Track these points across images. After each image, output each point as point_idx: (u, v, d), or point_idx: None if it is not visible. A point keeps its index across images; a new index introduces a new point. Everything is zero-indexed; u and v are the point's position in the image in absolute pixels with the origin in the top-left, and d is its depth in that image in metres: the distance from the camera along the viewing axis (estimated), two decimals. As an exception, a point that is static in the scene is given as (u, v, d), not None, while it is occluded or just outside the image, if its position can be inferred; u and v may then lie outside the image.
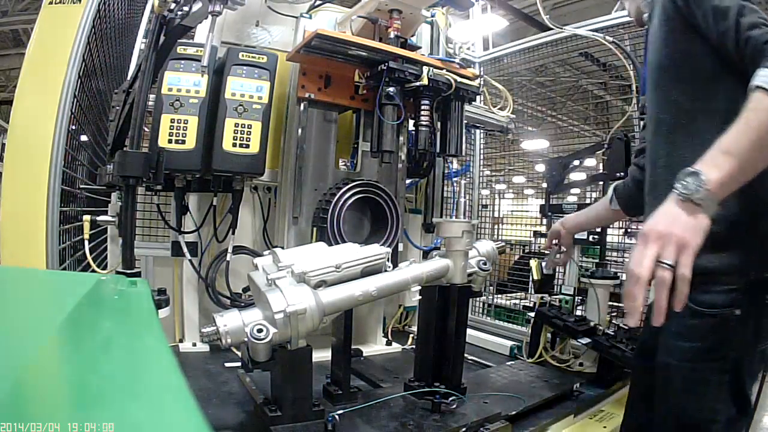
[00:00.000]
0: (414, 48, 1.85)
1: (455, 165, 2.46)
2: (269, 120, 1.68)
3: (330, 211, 1.67)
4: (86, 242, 1.55)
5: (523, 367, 1.74)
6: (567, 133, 5.33)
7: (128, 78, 1.58)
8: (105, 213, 1.74)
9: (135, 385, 0.37)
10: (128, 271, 1.24)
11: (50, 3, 1.57)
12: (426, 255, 2.13)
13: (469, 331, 1.60)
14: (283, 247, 1.55)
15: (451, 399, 1.27)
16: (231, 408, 1.28)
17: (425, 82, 1.67)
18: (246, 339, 1.02)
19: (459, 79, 1.74)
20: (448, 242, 1.35)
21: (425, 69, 1.68)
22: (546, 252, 1.65)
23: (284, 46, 1.91)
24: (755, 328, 0.93)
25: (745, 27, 0.87)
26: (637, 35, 2.05)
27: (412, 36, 1.98)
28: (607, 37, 2.02)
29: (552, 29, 2.26)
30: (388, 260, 1.26)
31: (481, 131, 2.62)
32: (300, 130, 1.80)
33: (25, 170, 1.50)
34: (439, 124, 1.84)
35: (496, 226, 3.07)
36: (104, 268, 1.73)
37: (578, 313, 1.96)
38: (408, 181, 2.14)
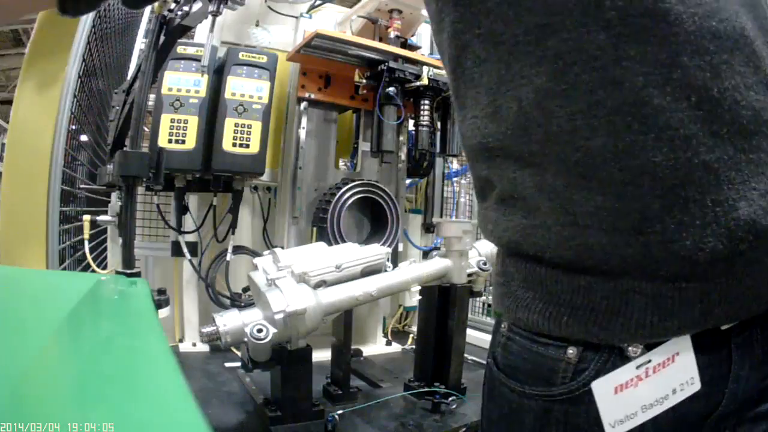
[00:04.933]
0: (414, 48, 1.85)
1: (455, 165, 2.46)
2: (269, 120, 1.68)
3: (330, 211, 1.67)
4: (86, 242, 1.55)
5: (523, 367, 1.73)
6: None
7: (128, 78, 1.58)
8: (105, 213, 1.74)
9: (135, 385, 0.36)
10: (128, 271, 1.24)
11: (50, 3, 1.57)
12: (426, 255, 2.13)
13: (469, 331, 1.60)
14: (283, 247, 1.55)
15: (451, 399, 1.27)
16: (231, 408, 1.28)
17: (425, 82, 1.67)
18: (246, 339, 1.02)
19: (459, 79, 1.74)
20: (448, 242, 1.35)
21: (425, 69, 1.68)
22: None
23: (284, 46, 1.91)
24: None
25: None
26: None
27: (412, 36, 1.98)
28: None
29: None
30: (388, 260, 1.26)
31: (481, 131, 2.61)
32: (300, 130, 1.80)
33: (25, 170, 1.50)
34: (439, 124, 1.84)
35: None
36: (104, 268, 1.74)
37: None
38: (408, 181, 2.14)
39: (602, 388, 0.45)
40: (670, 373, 0.44)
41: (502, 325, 0.53)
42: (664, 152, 0.39)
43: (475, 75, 0.46)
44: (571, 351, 0.46)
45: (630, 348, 0.44)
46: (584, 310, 0.44)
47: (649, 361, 0.44)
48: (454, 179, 2.47)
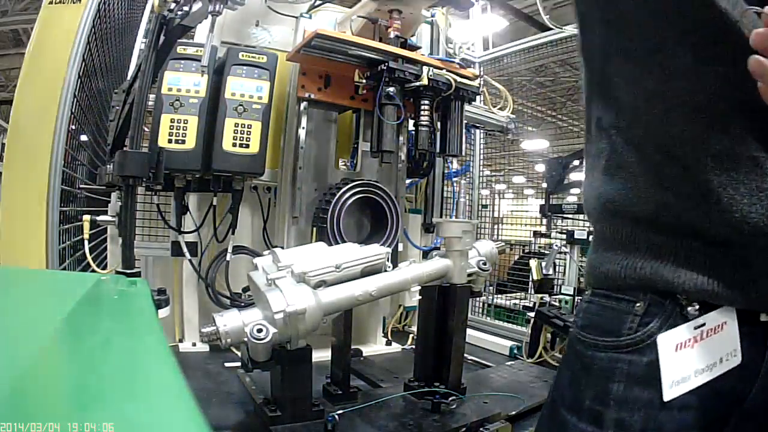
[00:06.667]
0: (414, 48, 1.85)
1: (455, 165, 2.46)
2: (269, 120, 1.68)
3: (330, 211, 1.67)
4: (86, 242, 1.55)
5: (523, 367, 1.74)
6: (567, 133, 5.34)
7: (128, 78, 1.58)
8: (105, 213, 1.74)
9: (135, 385, 0.37)
10: (128, 271, 1.24)
11: (50, 3, 1.58)
12: (426, 255, 2.13)
13: (469, 331, 1.60)
14: (283, 247, 1.55)
15: (451, 399, 1.27)
16: (231, 408, 1.28)
17: (425, 82, 1.67)
18: (246, 339, 1.02)
19: (459, 79, 1.74)
20: (448, 242, 1.35)
21: (425, 69, 1.68)
22: (546, 252, 1.65)
23: (284, 46, 1.91)
24: None
25: None
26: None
27: (412, 36, 1.98)
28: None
29: (552, 29, 2.26)
30: (388, 260, 1.26)
31: (481, 131, 2.62)
32: (300, 130, 1.80)
33: (25, 170, 1.50)
34: (439, 124, 1.84)
35: (496, 226, 3.07)
36: (104, 268, 1.73)
37: (578, 313, 1.95)
38: (408, 181, 2.14)
39: (666, 343, 0.52)
40: (719, 340, 0.51)
41: (585, 293, 0.63)
42: (723, 143, 0.50)
43: (613, 76, 0.59)
44: (639, 305, 0.54)
45: (689, 308, 0.52)
46: (656, 260, 0.54)
47: (704, 324, 0.52)
48: (454, 179, 2.47)
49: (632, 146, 0.57)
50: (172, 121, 1.56)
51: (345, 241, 1.58)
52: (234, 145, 1.61)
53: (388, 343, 1.97)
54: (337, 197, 1.68)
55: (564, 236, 2.11)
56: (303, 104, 1.80)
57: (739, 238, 0.50)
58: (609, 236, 0.60)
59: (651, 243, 0.55)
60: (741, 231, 0.49)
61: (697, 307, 0.52)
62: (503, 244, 1.64)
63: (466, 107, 1.93)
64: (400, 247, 1.94)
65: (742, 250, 0.50)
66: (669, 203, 0.53)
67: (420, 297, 1.38)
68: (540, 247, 2.77)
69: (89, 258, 1.54)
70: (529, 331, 1.88)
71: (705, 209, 0.51)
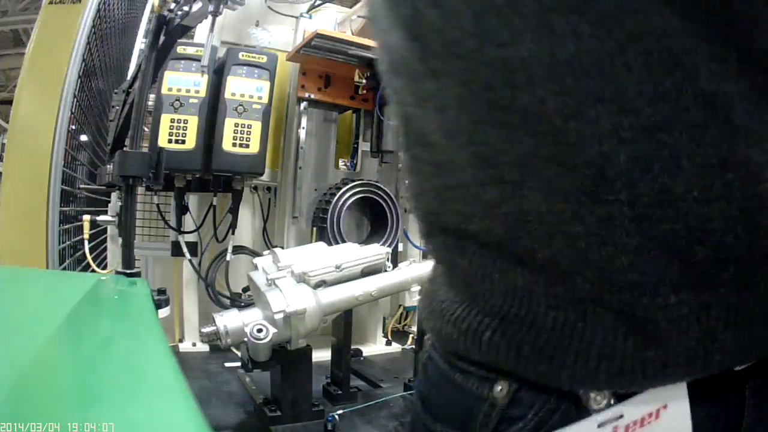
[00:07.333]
0: (414, 48, 1.84)
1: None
2: (269, 120, 1.68)
3: (330, 211, 1.67)
4: (86, 242, 1.55)
5: (523, 367, 1.73)
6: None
7: (128, 78, 1.58)
8: (105, 213, 1.74)
9: (135, 385, 0.37)
10: (128, 271, 1.24)
11: (50, 3, 1.58)
12: (426, 255, 2.13)
13: (469, 331, 1.60)
14: (283, 247, 1.55)
15: (451, 399, 1.27)
16: (231, 408, 1.28)
17: (425, 82, 1.67)
18: (246, 339, 1.02)
19: (459, 79, 1.74)
20: (448, 242, 1.35)
21: (425, 69, 1.68)
22: None
23: (284, 46, 1.91)
24: None
25: None
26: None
27: (412, 36, 1.98)
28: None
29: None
30: (388, 260, 1.26)
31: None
32: (300, 130, 1.80)
33: (25, 170, 1.50)
34: (439, 124, 1.84)
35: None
36: (104, 268, 1.74)
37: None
38: (408, 181, 2.14)
39: None
40: None
41: (426, 337, 0.38)
42: (638, 68, 0.22)
43: None
44: (500, 388, 0.29)
45: (591, 394, 0.27)
46: (520, 324, 0.28)
47: (620, 417, 0.27)
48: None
49: (433, 103, 0.29)
50: (172, 121, 1.56)
51: (345, 241, 1.58)
52: (234, 145, 1.61)
53: (388, 343, 1.97)
54: (337, 197, 1.68)
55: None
56: (303, 104, 1.80)
57: (682, 272, 0.24)
58: (445, 264, 0.35)
59: (511, 286, 0.28)
60: (688, 261, 0.24)
61: (606, 397, 0.27)
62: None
63: (466, 107, 1.93)
64: (400, 247, 1.94)
65: (690, 294, 0.25)
66: (526, 211, 0.26)
67: (420, 297, 1.38)
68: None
69: (89, 258, 1.54)
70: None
71: (602, 217, 0.24)
